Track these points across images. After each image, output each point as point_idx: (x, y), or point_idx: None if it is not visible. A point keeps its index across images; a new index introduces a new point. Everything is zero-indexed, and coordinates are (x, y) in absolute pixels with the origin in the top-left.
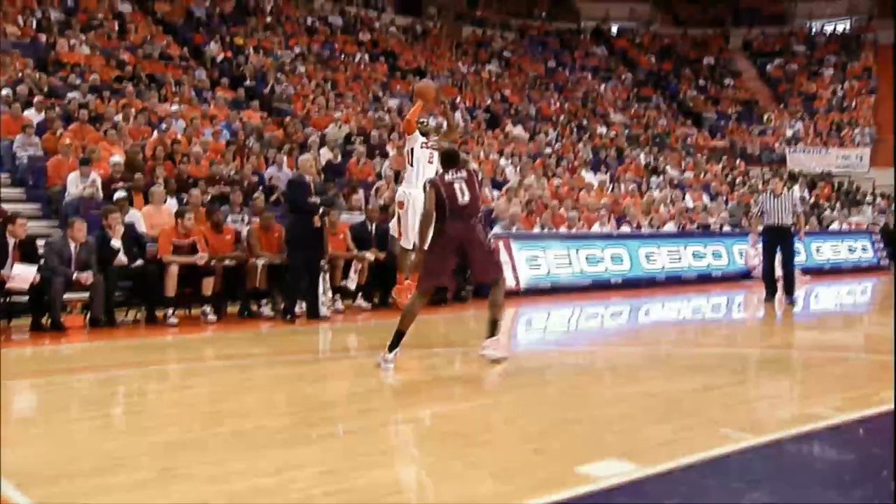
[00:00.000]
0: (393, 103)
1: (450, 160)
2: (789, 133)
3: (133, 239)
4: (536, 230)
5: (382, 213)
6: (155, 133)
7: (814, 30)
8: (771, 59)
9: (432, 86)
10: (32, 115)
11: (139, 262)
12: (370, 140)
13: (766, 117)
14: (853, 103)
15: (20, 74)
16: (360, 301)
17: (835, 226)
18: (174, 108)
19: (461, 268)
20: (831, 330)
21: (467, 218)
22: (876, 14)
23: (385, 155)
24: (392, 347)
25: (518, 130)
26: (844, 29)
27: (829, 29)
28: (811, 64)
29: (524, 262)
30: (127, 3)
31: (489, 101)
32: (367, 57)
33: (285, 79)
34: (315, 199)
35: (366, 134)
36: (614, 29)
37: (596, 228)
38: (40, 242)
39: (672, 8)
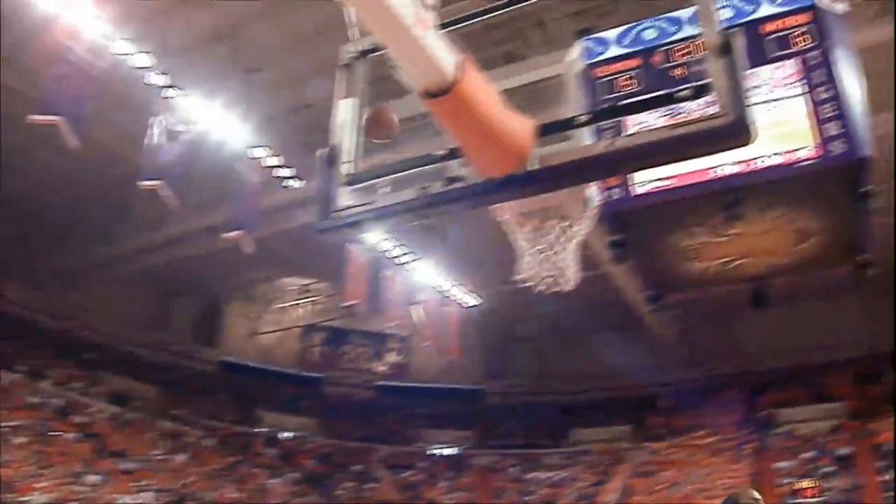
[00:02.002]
0: (95, 479)
1: None
2: None
3: None
4: None
5: None
6: None
7: (432, 452)
8: (403, 470)
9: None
10: None
11: None
12: None
13: None
14: None
15: None
16: None
17: None
18: None
19: None
20: None
21: None
22: (477, 439)
23: None
24: None
25: None
26: (454, 453)
27: (444, 452)
28: (431, 476)
29: None
30: None
31: (178, 485)
32: (77, 436)
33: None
34: None
35: None
36: (284, 435)
37: None
38: None
39: (331, 424)
